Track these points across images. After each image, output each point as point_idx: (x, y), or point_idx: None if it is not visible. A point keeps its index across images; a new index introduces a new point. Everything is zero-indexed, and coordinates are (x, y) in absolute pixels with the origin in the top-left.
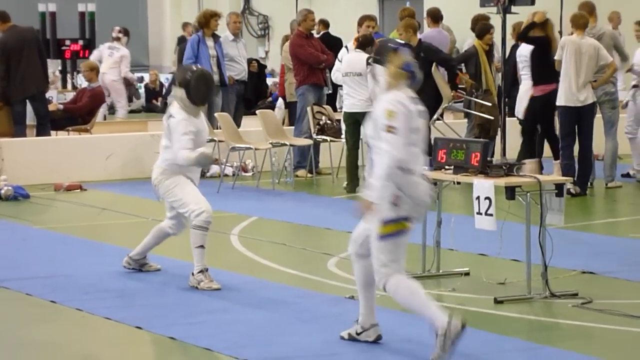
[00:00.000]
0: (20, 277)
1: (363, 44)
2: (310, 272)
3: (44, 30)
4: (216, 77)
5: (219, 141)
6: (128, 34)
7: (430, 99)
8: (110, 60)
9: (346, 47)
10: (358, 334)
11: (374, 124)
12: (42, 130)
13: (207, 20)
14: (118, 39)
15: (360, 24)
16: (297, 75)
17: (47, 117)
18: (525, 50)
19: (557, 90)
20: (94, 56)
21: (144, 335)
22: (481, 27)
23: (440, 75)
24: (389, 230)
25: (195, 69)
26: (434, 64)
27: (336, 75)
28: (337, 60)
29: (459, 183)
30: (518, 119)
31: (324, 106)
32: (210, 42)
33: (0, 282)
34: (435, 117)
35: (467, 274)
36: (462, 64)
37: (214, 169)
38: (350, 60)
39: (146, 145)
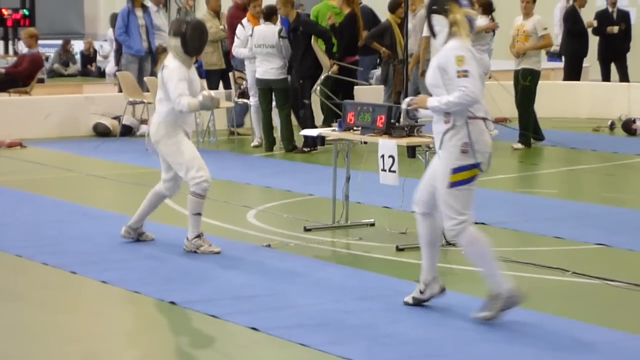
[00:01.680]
0: None
1: (269, 14)
2: (231, 223)
3: None
4: (145, 45)
5: (148, 103)
6: None
7: (311, 68)
8: None
9: (242, 24)
10: (422, 292)
11: (437, 72)
12: None
13: None
14: None
15: (248, 3)
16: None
17: None
18: None
19: (357, 60)
20: None
21: (78, 279)
22: (393, 2)
23: (319, 46)
24: (460, 177)
25: (190, 19)
26: (312, 37)
27: (237, 50)
28: (236, 37)
29: (365, 143)
30: None
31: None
32: (139, 13)
33: None
34: (317, 85)
35: (372, 224)
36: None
37: (144, 128)
38: (261, 34)
39: (81, 106)
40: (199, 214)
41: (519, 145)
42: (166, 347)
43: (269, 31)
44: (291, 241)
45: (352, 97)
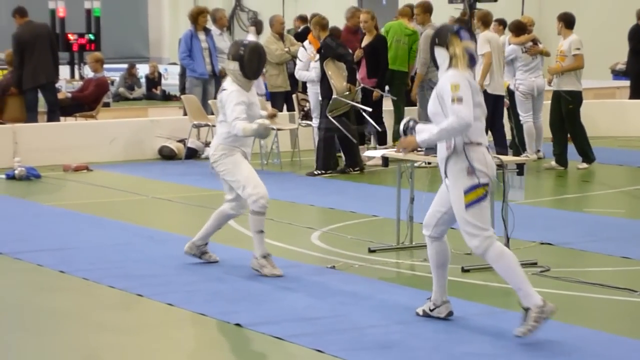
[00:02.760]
0: (33, 249)
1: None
2: (295, 244)
3: (53, 26)
4: (209, 68)
5: (212, 126)
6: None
7: (327, 90)
8: None
9: (303, 46)
10: (431, 310)
11: (436, 100)
12: (52, 117)
13: (195, 18)
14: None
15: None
16: None
17: (56, 104)
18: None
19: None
20: None
21: (144, 301)
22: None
23: (331, 69)
24: (471, 198)
25: (247, 42)
26: (327, 59)
27: (300, 73)
28: (298, 60)
29: (429, 163)
30: None
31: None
32: (202, 36)
33: (15, 254)
34: (327, 107)
35: None
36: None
37: (208, 151)
38: None
39: (146, 129)
40: (261, 232)
41: (584, 165)
42: None
43: None
44: (355, 262)
45: (378, 121)
